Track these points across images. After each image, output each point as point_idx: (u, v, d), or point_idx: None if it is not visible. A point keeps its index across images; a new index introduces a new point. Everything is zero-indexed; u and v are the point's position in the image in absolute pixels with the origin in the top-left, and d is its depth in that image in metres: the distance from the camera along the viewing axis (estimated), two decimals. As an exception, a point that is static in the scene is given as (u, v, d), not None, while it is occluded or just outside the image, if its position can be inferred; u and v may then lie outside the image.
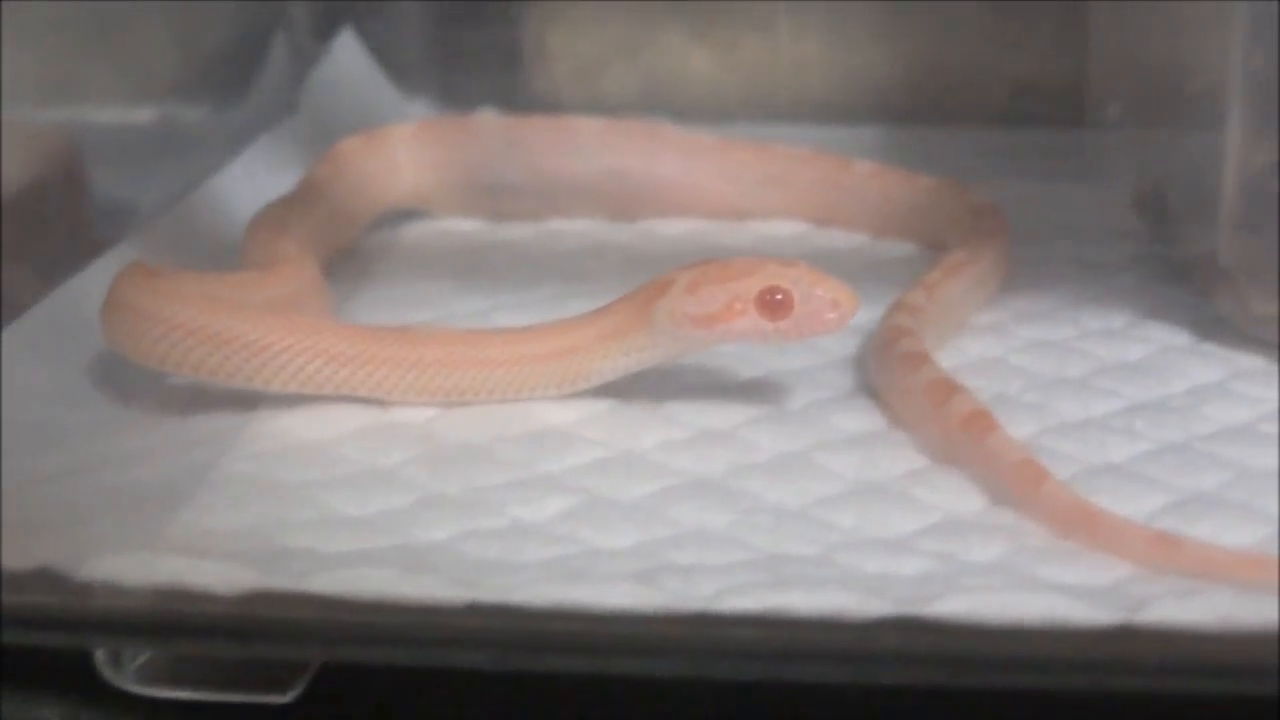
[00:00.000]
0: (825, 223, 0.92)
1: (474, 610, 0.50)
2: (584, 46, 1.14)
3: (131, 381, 0.69)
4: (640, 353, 0.66)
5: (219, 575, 0.51)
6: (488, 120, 0.96)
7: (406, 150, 0.92)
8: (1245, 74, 0.71)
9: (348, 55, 1.09)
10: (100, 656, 0.54)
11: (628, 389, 0.67)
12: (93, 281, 0.74)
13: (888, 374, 0.67)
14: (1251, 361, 0.72)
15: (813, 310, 0.63)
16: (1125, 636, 0.49)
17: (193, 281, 0.69)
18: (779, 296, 0.63)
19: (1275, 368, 0.72)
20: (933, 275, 0.75)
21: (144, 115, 0.98)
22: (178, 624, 0.52)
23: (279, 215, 0.79)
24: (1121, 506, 0.58)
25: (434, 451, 0.63)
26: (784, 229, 0.92)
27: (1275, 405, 0.68)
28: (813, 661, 0.50)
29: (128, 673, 0.55)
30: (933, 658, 0.50)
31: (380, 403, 0.66)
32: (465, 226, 0.93)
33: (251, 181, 0.93)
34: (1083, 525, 0.55)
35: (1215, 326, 0.75)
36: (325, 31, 1.10)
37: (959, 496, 0.59)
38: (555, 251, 0.89)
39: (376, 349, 0.66)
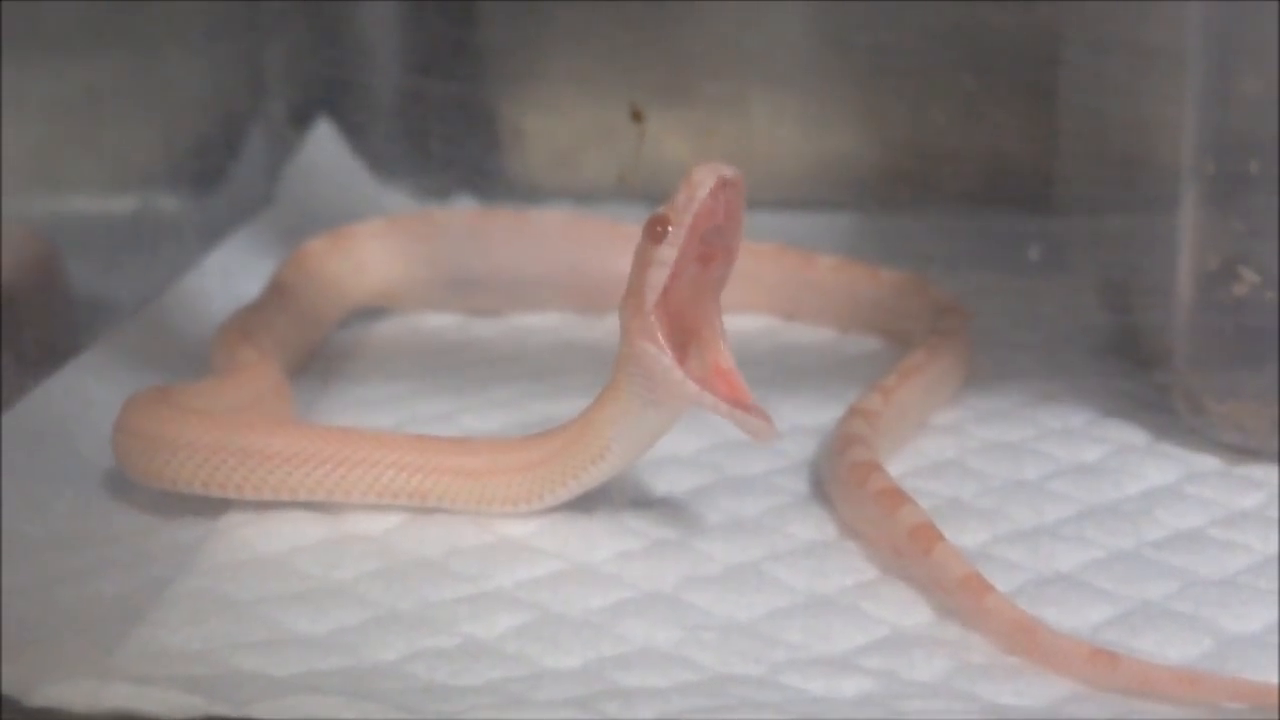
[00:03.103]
0: (791, 317, 0.93)
1: (418, 738, 0.51)
2: (560, 132, 1.15)
3: (96, 492, 0.70)
4: (636, 400, 0.64)
5: (167, 702, 0.51)
6: (451, 215, 0.97)
7: (372, 249, 0.92)
8: (1198, 178, 0.72)
9: (325, 145, 1.10)
10: (60, 780, 0.55)
11: (586, 499, 0.67)
12: (61, 388, 0.75)
13: (838, 482, 0.67)
14: (1206, 462, 0.73)
15: (685, 199, 0.61)
16: (1056, 762, 0.50)
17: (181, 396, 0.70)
18: (658, 226, 0.61)
19: (1229, 469, 0.72)
20: (889, 379, 0.75)
21: (122, 205, 0.98)
22: (129, 752, 0.52)
23: (243, 322, 0.80)
24: (1067, 618, 0.59)
25: (390, 565, 0.63)
26: (751, 323, 0.92)
27: (1226, 510, 0.69)
28: (752, 787, 0.51)
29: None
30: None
31: (338, 512, 0.67)
32: (434, 322, 0.94)
33: (226, 277, 0.94)
34: (1024, 641, 0.56)
35: (1173, 424, 0.76)
36: (302, 121, 1.12)
37: (906, 609, 0.60)
38: (523, 348, 0.90)
39: (422, 458, 0.67)
